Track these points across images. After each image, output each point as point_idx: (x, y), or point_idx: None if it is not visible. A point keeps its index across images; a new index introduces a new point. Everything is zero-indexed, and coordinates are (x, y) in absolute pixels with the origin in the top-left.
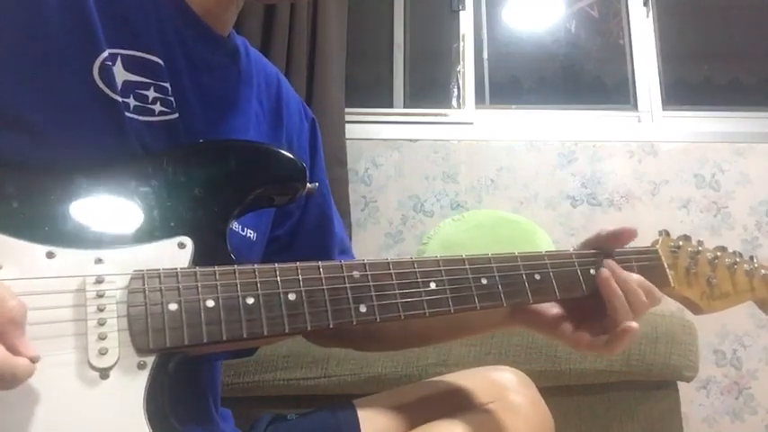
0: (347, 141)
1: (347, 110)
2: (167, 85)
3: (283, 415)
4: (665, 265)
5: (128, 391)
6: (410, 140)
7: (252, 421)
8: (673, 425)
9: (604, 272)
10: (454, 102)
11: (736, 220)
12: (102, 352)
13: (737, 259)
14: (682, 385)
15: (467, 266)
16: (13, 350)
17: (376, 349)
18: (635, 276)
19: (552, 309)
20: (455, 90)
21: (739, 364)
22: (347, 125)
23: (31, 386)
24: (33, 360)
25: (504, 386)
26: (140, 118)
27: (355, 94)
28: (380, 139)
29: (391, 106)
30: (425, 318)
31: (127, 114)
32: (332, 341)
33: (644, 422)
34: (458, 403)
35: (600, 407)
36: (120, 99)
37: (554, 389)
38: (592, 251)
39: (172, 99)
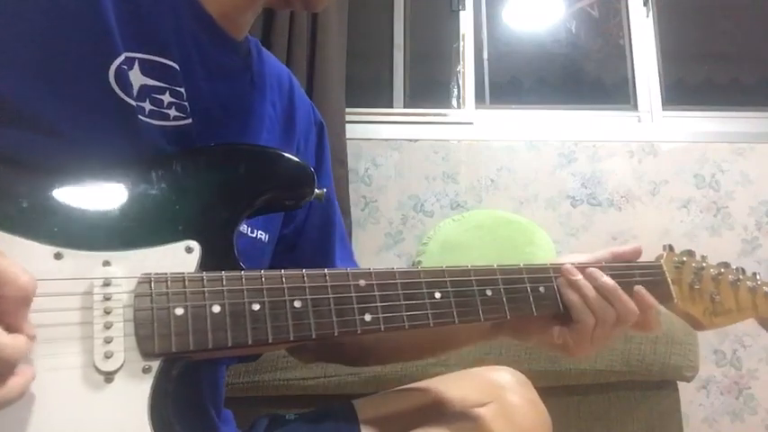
0: (347, 141)
1: (347, 110)
2: (182, 90)
3: (283, 415)
4: (669, 281)
5: (132, 395)
6: (410, 140)
7: (251, 421)
8: (673, 425)
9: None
10: (454, 102)
11: (736, 220)
12: (108, 355)
13: (741, 276)
14: (682, 385)
15: (472, 278)
16: (17, 329)
17: (362, 364)
18: (601, 281)
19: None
20: (455, 90)
21: (739, 364)
22: (347, 125)
23: (36, 389)
24: (31, 338)
25: (501, 386)
26: (155, 122)
27: (355, 94)
28: (380, 139)
29: (391, 106)
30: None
31: (141, 118)
32: (321, 356)
33: (644, 422)
34: (456, 404)
35: (600, 407)
36: (134, 103)
37: (554, 389)
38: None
39: (186, 104)
